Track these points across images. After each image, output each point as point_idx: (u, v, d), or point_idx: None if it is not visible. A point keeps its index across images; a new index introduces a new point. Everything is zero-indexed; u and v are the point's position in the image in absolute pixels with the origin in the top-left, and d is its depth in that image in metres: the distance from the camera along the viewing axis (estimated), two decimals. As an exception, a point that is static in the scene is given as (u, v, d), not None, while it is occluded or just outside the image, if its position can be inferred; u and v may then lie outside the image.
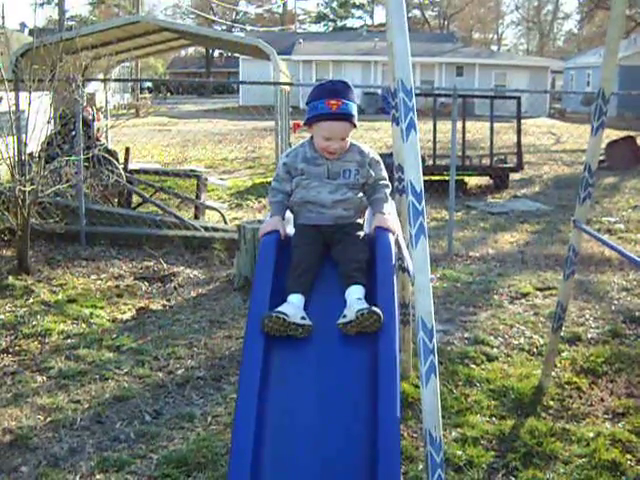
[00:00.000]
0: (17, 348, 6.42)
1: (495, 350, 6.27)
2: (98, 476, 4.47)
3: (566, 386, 5.59)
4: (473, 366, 5.90)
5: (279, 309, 3.22)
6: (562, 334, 6.22)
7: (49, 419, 5.18)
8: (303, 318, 3.24)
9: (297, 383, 3.23)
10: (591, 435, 4.82)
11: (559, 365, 5.94)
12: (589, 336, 6.68)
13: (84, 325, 7.01)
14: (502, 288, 8.19)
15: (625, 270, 8.93)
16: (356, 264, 3.40)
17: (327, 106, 3.39)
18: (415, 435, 4.79)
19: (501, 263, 9.40)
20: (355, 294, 3.30)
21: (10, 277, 8.22)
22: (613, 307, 7.60)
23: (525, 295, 7.90)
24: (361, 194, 3.67)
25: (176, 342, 6.49)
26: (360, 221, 3.69)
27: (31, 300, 7.68)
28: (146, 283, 8.39)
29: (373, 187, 3.66)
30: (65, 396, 5.52)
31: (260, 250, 3.62)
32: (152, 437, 4.88)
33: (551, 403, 5.31)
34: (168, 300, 7.84)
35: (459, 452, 4.55)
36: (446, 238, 9.97)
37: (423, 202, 3.06)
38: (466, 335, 6.62)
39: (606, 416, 5.19)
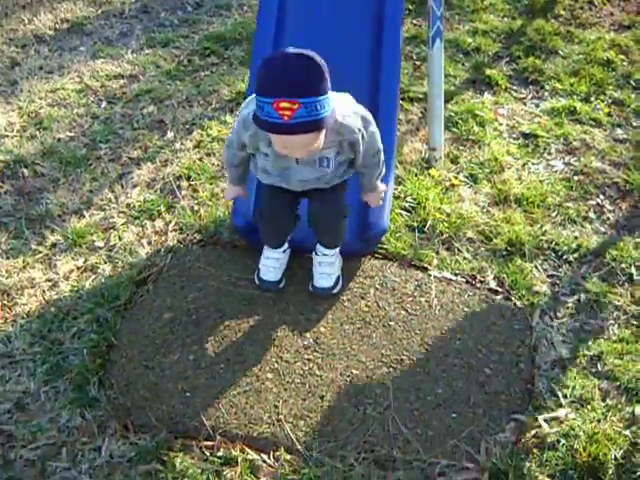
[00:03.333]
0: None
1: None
2: (147, 50, 5.07)
3: (580, -1, 5.87)
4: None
5: (263, 277, 3.04)
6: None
7: (100, 10, 5.70)
8: (281, 280, 3.06)
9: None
10: (592, 38, 5.24)
11: (577, -18, 6.15)
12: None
13: None
14: None
15: None
16: (333, 233, 2.95)
17: (276, 112, 2.14)
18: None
19: None
20: (324, 267, 3.02)
21: None
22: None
23: None
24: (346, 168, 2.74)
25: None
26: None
27: None
28: None
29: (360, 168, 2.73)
30: None
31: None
32: (194, 22, 5.42)
33: (562, 12, 5.64)
34: None
35: (469, 40, 5.05)
36: None
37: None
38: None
39: (612, 27, 5.54)
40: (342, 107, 2.42)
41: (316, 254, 2.99)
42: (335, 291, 2.99)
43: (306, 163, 2.53)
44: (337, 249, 3.00)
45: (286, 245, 3.02)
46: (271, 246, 2.99)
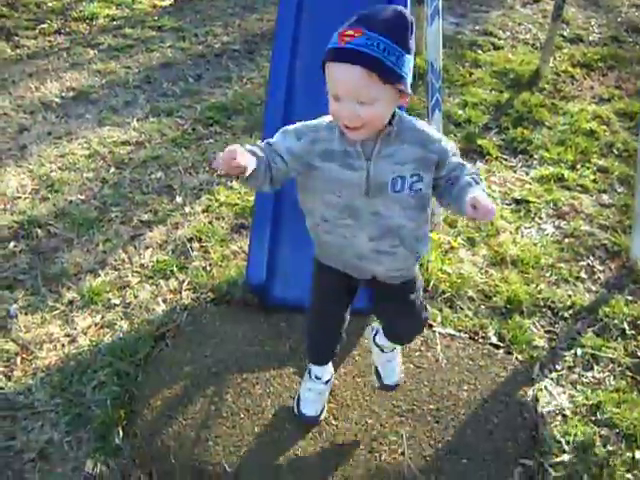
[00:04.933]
0: (68, 29, 7.05)
1: (502, 41, 6.85)
2: (152, 119, 5.29)
3: (562, 74, 6.22)
4: (480, 52, 6.53)
5: (303, 411, 2.83)
6: (565, 34, 6.80)
7: (105, 80, 5.93)
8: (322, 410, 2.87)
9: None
10: (576, 110, 5.55)
11: (558, 58, 6.52)
12: (590, 38, 7.17)
13: (127, 10, 7.57)
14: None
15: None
16: (408, 338, 2.79)
17: (337, 38, 1.92)
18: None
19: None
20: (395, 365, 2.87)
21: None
22: (619, 19, 7.94)
23: (537, 1, 8.23)
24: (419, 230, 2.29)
25: (213, 23, 7.12)
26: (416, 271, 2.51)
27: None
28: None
29: (447, 176, 2.14)
30: (117, 63, 6.24)
31: None
32: (195, 93, 5.67)
33: (546, 86, 5.97)
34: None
35: (460, 112, 5.33)
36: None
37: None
38: (477, 28, 7.17)
39: (593, 100, 5.87)
40: (427, 126, 2.17)
41: (382, 351, 2.78)
42: (401, 382, 2.90)
43: (379, 185, 2.11)
44: None
45: (328, 374, 2.86)
46: (318, 362, 2.79)
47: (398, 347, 2.81)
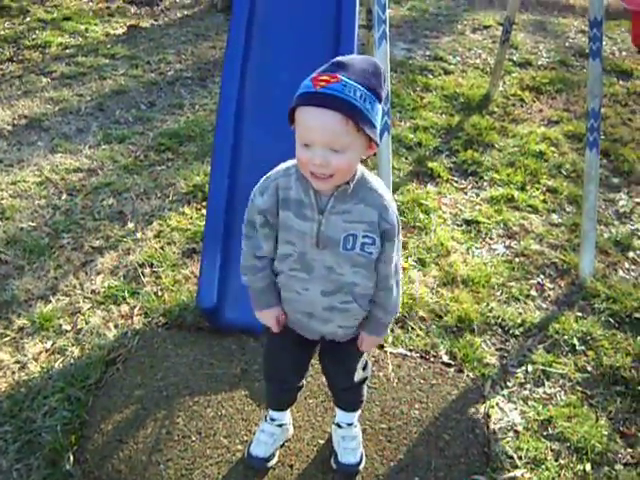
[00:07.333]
0: (20, 57, 7.03)
1: (452, 66, 6.98)
2: (104, 146, 5.27)
3: (511, 98, 6.35)
4: (431, 77, 6.65)
5: (252, 452, 2.72)
6: (514, 59, 6.93)
7: (57, 108, 5.90)
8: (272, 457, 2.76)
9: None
10: (525, 132, 5.66)
11: (507, 82, 6.66)
12: (539, 63, 7.34)
13: (80, 38, 7.58)
14: (466, 20, 8.72)
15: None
16: (351, 394, 2.66)
17: (311, 82, 1.87)
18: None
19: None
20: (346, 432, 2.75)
21: (5, -1, 8.63)
22: (567, 44, 8.17)
23: (487, 27, 8.45)
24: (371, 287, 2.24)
25: (165, 51, 7.16)
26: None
27: (28, 18, 8.15)
28: (135, 5, 8.86)
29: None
30: (69, 91, 6.22)
31: None
32: (148, 120, 5.66)
33: (495, 109, 6.08)
34: (156, 20, 8.38)
35: (411, 135, 5.39)
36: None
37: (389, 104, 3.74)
38: (427, 53, 7.31)
39: (542, 122, 5.99)
40: (386, 190, 2.13)
41: (339, 427, 2.74)
42: (361, 467, 2.71)
43: (327, 240, 2.10)
44: (357, 414, 2.77)
45: (286, 419, 2.81)
46: (276, 409, 2.76)
47: (354, 426, 2.76)
